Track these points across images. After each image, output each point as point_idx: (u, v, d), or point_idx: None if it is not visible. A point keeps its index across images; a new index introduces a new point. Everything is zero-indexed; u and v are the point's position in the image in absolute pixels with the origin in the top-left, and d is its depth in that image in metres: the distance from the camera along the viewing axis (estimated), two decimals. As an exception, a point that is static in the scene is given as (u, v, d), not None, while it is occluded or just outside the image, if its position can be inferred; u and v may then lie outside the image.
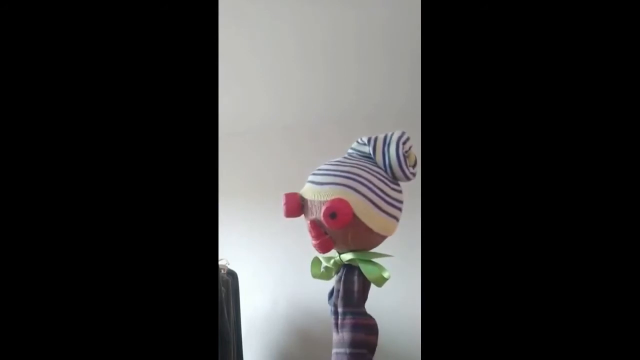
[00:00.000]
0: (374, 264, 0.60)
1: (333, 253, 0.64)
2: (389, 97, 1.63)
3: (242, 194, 1.85)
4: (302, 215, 0.62)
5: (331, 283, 0.64)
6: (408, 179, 0.61)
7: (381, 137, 0.62)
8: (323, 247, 0.59)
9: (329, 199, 0.57)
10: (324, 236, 0.59)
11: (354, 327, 0.58)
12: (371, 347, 0.57)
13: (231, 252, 1.65)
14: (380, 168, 0.61)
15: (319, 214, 0.56)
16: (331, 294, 0.63)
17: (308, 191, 0.60)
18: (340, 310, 0.59)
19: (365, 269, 0.59)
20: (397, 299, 1.69)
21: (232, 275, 1.53)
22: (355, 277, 0.61)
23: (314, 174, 0.62)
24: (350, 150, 0.66)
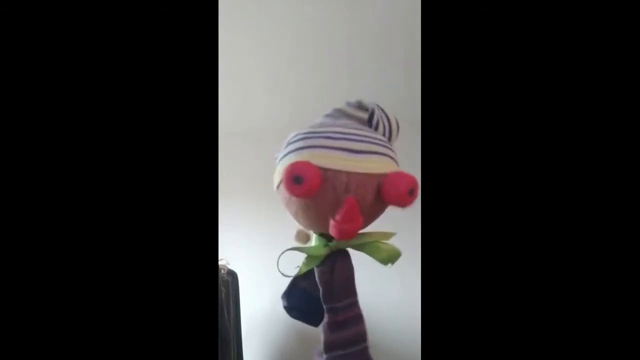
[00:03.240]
0: (382, 242, 0.55)
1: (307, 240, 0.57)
2: (387, 98, 1.63)
3: (242, 194, 1.85)
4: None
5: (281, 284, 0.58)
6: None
7: (377, 108, 0.55)
8: (355, 232, 0.48)
9: (382, 171, 0.47)
10: (360, 216, 0.47)
11: (359, 319, 0.53)
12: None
13: (231, 252, 1.65)
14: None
15: (364, 190, 0.46)
16: (299, 294, 0.56)
17: (335, 160, 0.48)
18: (341, 304, 0.53)
19: (381, 248, 0.54)
20: (397, 298, 1.69)
21: (232, 275, 1.53)
22: (350, 262, 0.55)
23: (333, 137, 0.49)
24: (334, 112, 0.57)
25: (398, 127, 0.57)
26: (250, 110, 1.77)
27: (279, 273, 0.58)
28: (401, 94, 1.53)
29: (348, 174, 0.47)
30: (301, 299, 0.58)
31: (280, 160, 0.53)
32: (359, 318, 0.54)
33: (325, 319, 0.54)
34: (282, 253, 0.57)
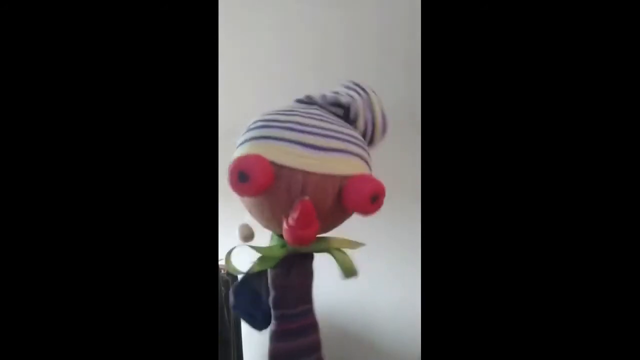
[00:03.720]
0: (342, 251, 0.50)
1: (259, 240, 0.51)
2: (386, 98, 1.63)
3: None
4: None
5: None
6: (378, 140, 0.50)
7: (357, 98, 0.49)
8: (310, 238, 0.42)
9: (346, 173, 0.42)
10: (316, 221, 0.42)
11: (314, 328, 0.48)
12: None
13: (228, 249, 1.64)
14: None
15: (322, 194, 0.41)
16: (249, 294, 0.51)
17: (292, 156, 0.42)
18: (294, 311, 0.47)
19: (339, 257, 0.49)
20: (397, 298, 1.69)
21: (232, 275, 1.53)
22: (310, 267, 0.49)
23: (294, 129, 0.43)
24: (307, 98, 0.50)
25: (385, 125, 0.51)
26: (250, 111, 1.77)
27: (228, 267, 0.54)
28: (401, 94, 1.53)
29: (305, 173, 0.41)
30: (249, 299, 0.53)
31: (237, 148, 0.47)
32: (313, 327, 0.49)
33: (273, 326, 0.48)
34: (231, 250, 0.52)
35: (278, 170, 0.42)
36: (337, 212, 0.45)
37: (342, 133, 0.45)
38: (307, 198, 0.41)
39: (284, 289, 0.48)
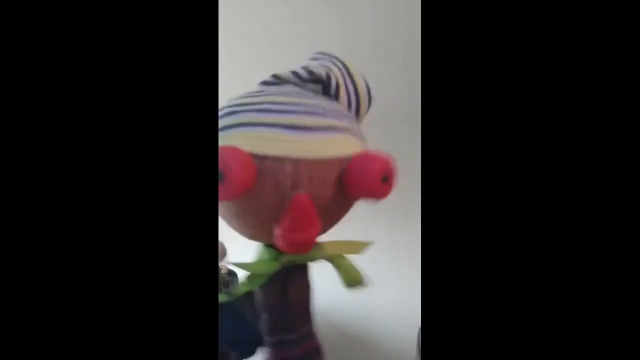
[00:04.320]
0: (345, 258, 0.42)
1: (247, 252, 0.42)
2: (386, 98, 1.63)
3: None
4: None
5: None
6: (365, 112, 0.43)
7: (333, 69, 0.41)
8: (311, 242, 0.34)
9: (345, 153, 0.35)
10: (317, 220, 0.34)
11: (317, 354, 0.40)
12: None
13: (231, 252, 1.64)
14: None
15: (320, 183, 0.33)
16: (232, 319, 0.41)
17: (275, 142, 0.34)
18: (295, 335, 0.38)
19: (343, 265, 0.41)
20: (397, 298, 1.69)
21: (232, 275, 1.53)
22: (309, 280, 0.41)
23: (272, 110, 0.35)
24: (274, 79, 0.42)
25: (370, 96, 0.44)
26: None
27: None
28: (401, 94, 1.53)
29: (295, 161, 0.34)
30: (232, 325, 0.45)
31: None
32: (317, 352, 0.41)
33: (269, 356, 0.40)
34: (220, 270, 0.43)
35: (260, 163, 0.34)
36: (339, 204, 0.38)
37: (329, 109, 0.37)
38: (301, 192, 0.33)
39: (280, 310, 0.39)
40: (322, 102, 0.38)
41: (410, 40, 1.20)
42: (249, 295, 0.43)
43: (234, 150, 0.34)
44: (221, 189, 0.34)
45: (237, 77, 1.53)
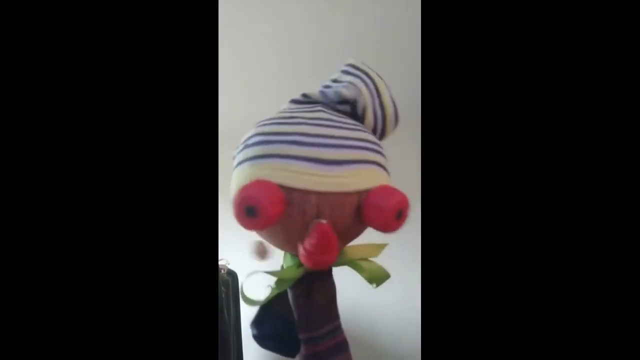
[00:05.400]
0: (369, 260, 0.45)
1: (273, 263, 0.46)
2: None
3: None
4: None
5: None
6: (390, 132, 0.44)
7: (361, 88, 0.43)
8: (331, 262, 0.38)
9: (364, 187, 0.37)
10: (336, 245, 0.37)
11: (343, 348, 0.43)
12: None
13: (231, 252, 1.64)
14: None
15: (340, 213, 0.37)
16: (274, 320, 0.45)
17: (302, 176, 0.37)
18: (320, 332, 0.42)
19: (365, 266, 0.45)
20: (397, 299, 1.69)
21: (232, 275, 1.53)
22: (332, 282, 0.45)
23: (300, 143, 0.37)
24: (304, 98, 0.44)
25: (397, 115, 0.46)
26: (250, 111, 1.77)
27: (244, 299, 0.48)
28: (401, 94, 1.53)
29: (319, 194, 0.37)
30: (275, 325, 0.48)
31: (236, 167, 0.43)
32: (342, 346, 0.44)
33: (303, 351, 0.44)
34: (247, 277, 0.47)
35: (288, 195, 0.37)
36: (357, 227, 0.41)
37: (355, 139, 0.39)
38: (323, 222, 0.37)
39: (306, 309, 0.43)
40: (350, 131, 0.40)
41: (410, 41, 1.20)
42: (284, 295, 0.47)
43: (265, 186, 0.36)
44: (254, 222, 0.36)
45: (237, 76, 1.53)
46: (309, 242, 0.37)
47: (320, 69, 1.43)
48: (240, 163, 0.41)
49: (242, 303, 1.59)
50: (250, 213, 0.36)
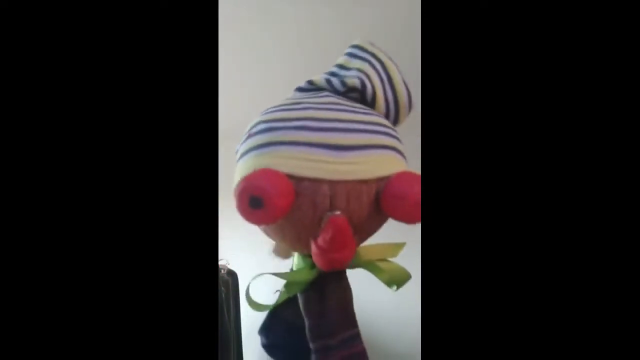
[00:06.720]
0: (387, 260, 0.41)
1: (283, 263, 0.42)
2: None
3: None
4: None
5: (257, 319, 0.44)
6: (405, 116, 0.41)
7: (370, 72, 0.40)
8: (348, 260, 0.35)
9: (383, 174, 0.34)
10: (353, 240, 0.34)
11: (361, 358, 0.39)
12: None
13: (231, 252, 1.64)
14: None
15: (357, 204, 0.33)
16: (282, 327, 0.42)
17: (313, 164, 0.33)
18: (336, 339, 0.37)
19: (385, 267, 0.41)
20: (397, 297, 1.69)
21: (232, 275, 1.53)
22: (347, 285, 0.40)
23: (310, 128, 0.34)
24: (308, 85, 0.41)
25: (410, 99, 0.41)
26: (250, 111, 1.77)
27: (250, 303, 0.45)
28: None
29: (332, 183, 0.33)
30: (284, 333, 0.45)
31: (239, 159, 0.39)
32: (360, 357, 0.40)
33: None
34: (253, 279, 0.43)
35: (298, 185, 0.33)
36: (375, 220, 0.37)
37: (369, 122, 0.36)
38: (338, 213, 0.33)
39: (320, 315, 0.39)
40: (362, 114, 0.37)
41: (410, 41, 1.20)
42: (294, 301, 0.43)
43: (272, 175, 0.33)
44: (260, 214, 0.33)
45: (237, 76, 1.53)
46: (322, 238, 0.33)
47: (321, 68, 1.43)
48: (243, 154, 0.38)
49: (242, 303, 1.59)
50: (255, 204, 0.32)
